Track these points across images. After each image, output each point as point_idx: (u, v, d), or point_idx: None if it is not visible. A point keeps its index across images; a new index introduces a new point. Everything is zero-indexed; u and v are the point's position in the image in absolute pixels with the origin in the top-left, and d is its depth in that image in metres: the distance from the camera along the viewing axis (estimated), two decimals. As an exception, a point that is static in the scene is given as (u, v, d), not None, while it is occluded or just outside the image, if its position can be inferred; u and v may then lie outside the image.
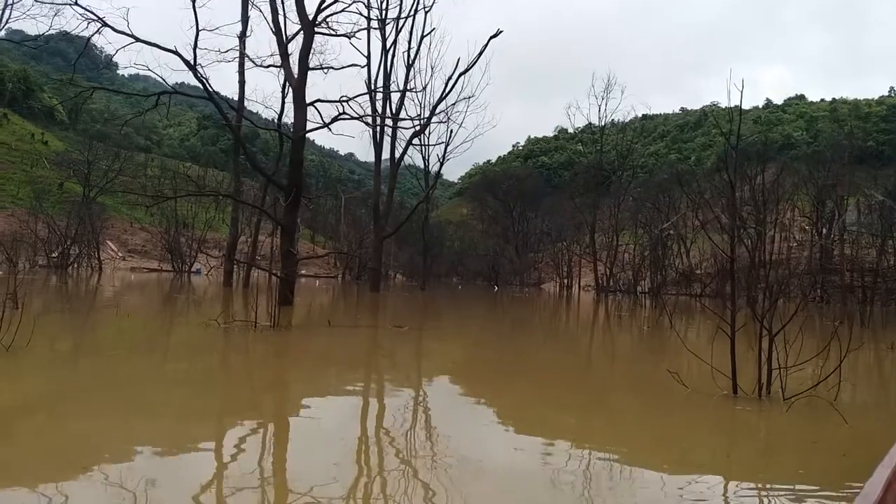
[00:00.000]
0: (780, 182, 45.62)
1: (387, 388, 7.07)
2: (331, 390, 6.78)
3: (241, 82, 28.78)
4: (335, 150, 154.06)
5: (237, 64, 25.63)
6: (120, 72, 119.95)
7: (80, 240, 49.29)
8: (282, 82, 26.91)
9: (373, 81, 31.21)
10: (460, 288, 52.39)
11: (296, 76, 17.60)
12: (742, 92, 7.15)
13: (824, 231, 46.41)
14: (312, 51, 18.14)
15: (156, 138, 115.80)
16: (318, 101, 17.40)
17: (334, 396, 6.43)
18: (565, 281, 59.00)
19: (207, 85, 16.43)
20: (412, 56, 34.03)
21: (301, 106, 17.37)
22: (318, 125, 17.21)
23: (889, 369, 10.99)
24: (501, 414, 6.00)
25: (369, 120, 18.01)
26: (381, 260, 35.15)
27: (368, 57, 32.47)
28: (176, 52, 16.07)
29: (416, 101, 41.89)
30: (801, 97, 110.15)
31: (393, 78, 33.70)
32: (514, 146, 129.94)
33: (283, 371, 8.03)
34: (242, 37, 25.63)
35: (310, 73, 17.84)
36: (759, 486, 3.93)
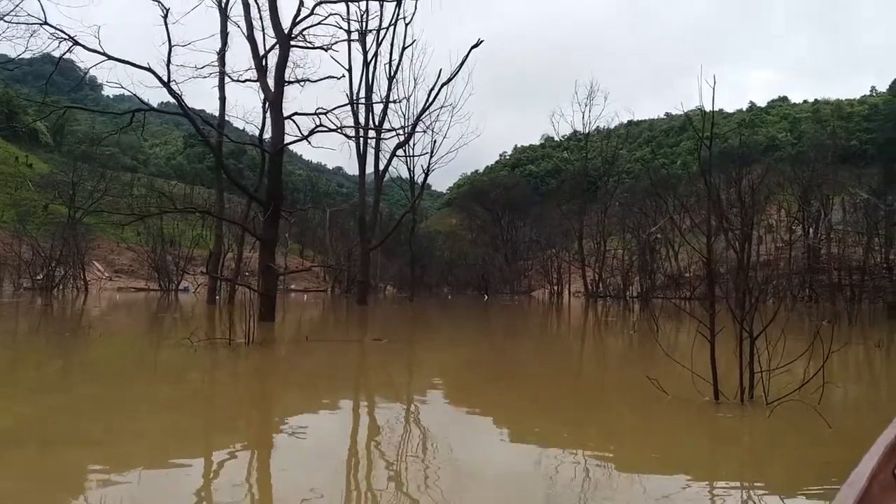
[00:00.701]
0: (766, 183, 45.72)
1: (353, 404, 6.80)
2: (294, 408, 6.51)
3: (222, 98, 28.59)
4: (323, 164, 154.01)
5: (217, 80, 25.40)
6: (105, 92, 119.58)
7: (64, 261, 48.80)
8: (262, 97, 26.69)
9: (354, 94, 31.13)
10: (450, 298, 52.16)
11: (272, 90, 17.42)
12: (714, 91, 7.01)
13: (811, 230, 46.53)
14: (291, 64, 17.98)
15: (142, 157, 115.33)
16: (296, 114, 17.22)
17: (297, 415, 6.16)
18: (555, 288, 58.99)
19: (182, 101, 16.22)
20: (394, 67, 33.96)
21: (278, 120, 17.17)
22: (296, 138, 16.99)
23: (877, 368, 10.85)
24: (477, 425, 5.79)
25: (349, 131, 17.81)
26: (369, 272, 34.89)
27: (350, 70, 32.42)
28: (149, 69, 15.85)
29: (400, 112, 41.86)
30: (784, 99, 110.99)
31: (375, 90, 33.62)
32: (501, 155, 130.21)
33: (249, 390, 7.77)
34: (222, 53, 25.41)
35: (290, 87, 17.69)
36: (735, 491, 3.76)
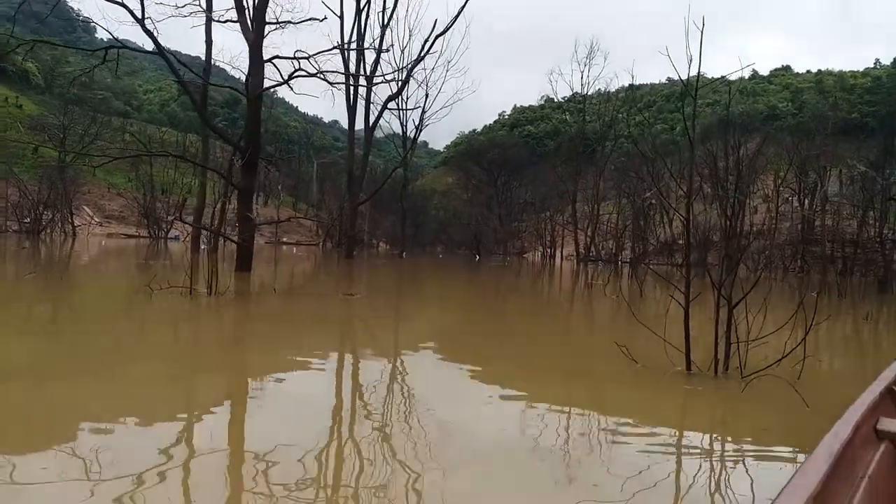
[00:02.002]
0: (763, 151, 45.04)
1: (298, 360, 6.30)
2: (229, 363, 6.02)
3: (208, 42, 27.88)
4: (319, 117, 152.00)
5: (198, 21, 24.50)
6: (98, 35, 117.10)
7: (52, 205, 48.26)
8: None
9: (346, 41, 30.21)
10: (441, 257, 51.70)
11: (252, 32, 16.66)
12: (701, 58, 6.36)
13: (806, 202, 46.03)
14: (275, 5, 17.23)
15: (136, 103, 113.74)
16: (276, 57, 16.52)
17: (228, 372, 5.67)
18: (548, 250, 58.67)
19: (156, 40, 15.46)
20: (388, 15, 32.96)
21: (258, 63, 16.47)
22: (275, 83, 16.29)
23: (864, 342, 10.44)
24: (426, 388, 5.32)
25: (331, 77, 17.05)
26: (356, 227, 34.30)
27: (342, 16, 31.45)
28: (122, 4, 15.08)
29: (393, 64, 40.84)
30: (787, 68, 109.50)
31: (369, 39, 32.66)
32: (500, 115, 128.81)
33: (188, 340, 7.30)
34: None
35: (278, 33, 17.02)
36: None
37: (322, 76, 16.66)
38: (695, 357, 5.80)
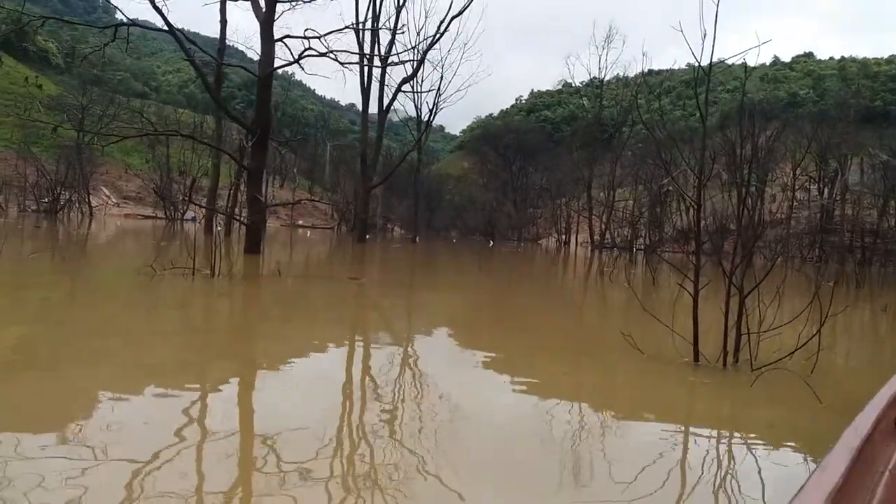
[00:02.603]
0: (782, 139, 44.28)
1: (298, 345, 6.14)
2: (228, 348, 5.87)
3: (223, 21, 27.76)
4: (336, 100, 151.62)
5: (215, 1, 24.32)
6: (118, 16, 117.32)
7: (70, 185, 48.51)
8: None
9: (361, 21, 29.85)
10: (454, 242, 51.43)
11: (263, 9, 16.44)
12: (715, 36, 6.07)
13: (826, 190, 45.27)
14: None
15: (154, 84, 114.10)
16: (287, 36, 16.30)
17: (226, 357, 5.52)
18: (563, 237, 58.22)
19: (166, 18, 15.24)
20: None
21: (268, 41, 16.27)
22: (285, 62, 16.10)
23: (882, 334, 10.14)
24: (429, 376, 5.15)
25: (342, 57, 16.77)
26: (369, 211, 34.07)
27: (356, -2, 31.09)
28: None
29: (409, 45, 40.44)
30: (810, 55, 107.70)
31: (384, 20, 32.27)
32: (517, 99, 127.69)
33: (189, 321, 7.16)
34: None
35: (292, 14, 16.79)
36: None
37: (333, 56, 16.44)
38: (705, 348, 5.58)
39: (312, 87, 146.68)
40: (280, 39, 16.37)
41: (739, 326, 5.56)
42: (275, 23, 16.78)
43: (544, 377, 5.27)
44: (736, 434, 3.98)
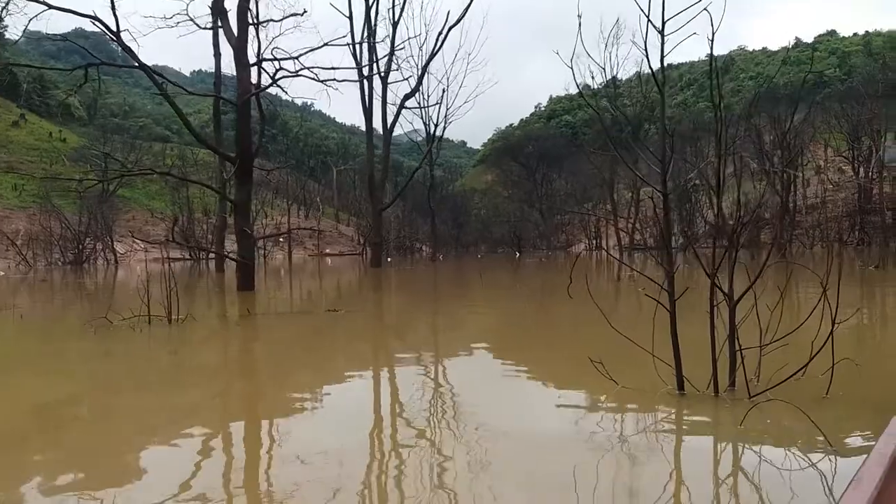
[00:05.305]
0: (810, 122, 42.50)
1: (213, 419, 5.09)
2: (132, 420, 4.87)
3: (217, 55, 27.42)
4: (356, 126, 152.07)
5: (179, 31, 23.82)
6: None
7: (93, 234, 49.06)
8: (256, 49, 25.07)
9: (356, 40, 29.20)
10: (479, 257, 50.24)
11: (235, 34, 15.72)
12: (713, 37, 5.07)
13: (861, 170, 43.27)
14: (282, 11, 16.34)
15: (175, 127, 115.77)
16: (262, 60, 15.54)
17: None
18: (593, 242, 56.91)
19: (133, 53, 14.62)
20: (398, 13, 31.82)
21: (244, 67, 15.52)
22: (260, 87, 15.31)
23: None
24: (363, 416, 4.12)
25: (324, 75, 15.93)
26: (381, 233, 33.15)
27: (350, 16, 30.55)
28: (94, 17, 14.27)
29: (411, 62, 39.71)
30: (833, 33, 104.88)
31: (381, 37, 31.57)
32: (536, 107, 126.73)
33: (112, 384, 6.15)
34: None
35: (284, 40, 16.07)
36: None
37: (315, 75, 15.66)
38: (697, 372, 4.40)
39: (333, 116, 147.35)
40: (255, 64, 15.64)
41: (733, 343, 4.39)
42: (262, 50, 16.13)
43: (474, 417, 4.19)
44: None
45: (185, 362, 7.30)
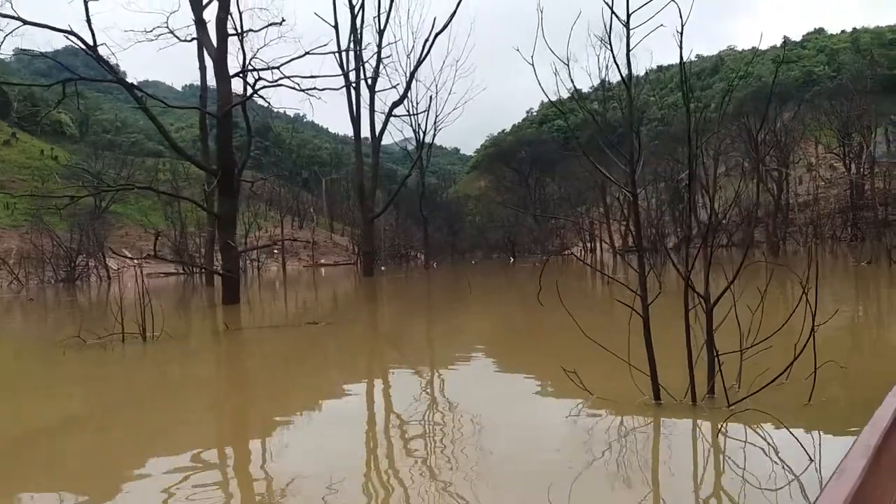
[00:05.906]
0: (800, 119, 42.49)
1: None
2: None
3: (202, 68, 27.27)
4: (349, 136, 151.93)
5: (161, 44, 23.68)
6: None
7: (84, 251, 48.81)
8: (241, 60, 24.89)
9: (341, 50, 29.07)
10: (473, 263, 50.01)
11: (215, 46, 15.55)
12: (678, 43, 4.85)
13: (852, 166, 43.19)
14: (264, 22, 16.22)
15: (167, 142, 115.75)
16: (244, 71, 15.37)
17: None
18: (588, 245, 56.81)
19: (109, 67, 14.47)
20: (383, 21, 31.75)
21: (224, 79, 15.34)
22: (241, 98, 15.14)
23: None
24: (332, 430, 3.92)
25: (305, 84, 15.76)
26: (373, 242, 32.93)
27: (336, 26, 30.42)
28: (70, 32, 14.09)
29: (400, 70, 39.61)
30: (821, 31, 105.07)
31: (366, 46, 31.53)
32: (527, 112, 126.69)
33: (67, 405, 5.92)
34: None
35: (267, 51, 15.94)
36: None
37: (296, 84, 15.50)
38: (678, 379, 4.18)
39: (325, 126, 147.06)
40: (236, 75, 15.51)
41: (711, 347, 4.19)
42: (248, 61, 15.97)
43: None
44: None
45: (152, 383, 7.06)
